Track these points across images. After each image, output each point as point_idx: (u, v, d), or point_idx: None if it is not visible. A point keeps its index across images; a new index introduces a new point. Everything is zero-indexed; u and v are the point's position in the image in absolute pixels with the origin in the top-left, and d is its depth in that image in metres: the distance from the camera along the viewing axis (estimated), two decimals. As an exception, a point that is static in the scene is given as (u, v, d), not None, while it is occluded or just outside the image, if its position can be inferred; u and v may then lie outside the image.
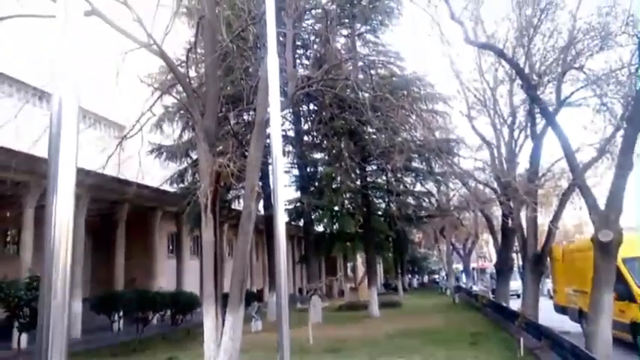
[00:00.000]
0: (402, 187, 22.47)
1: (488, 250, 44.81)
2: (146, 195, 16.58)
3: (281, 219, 3.03)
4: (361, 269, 38.31)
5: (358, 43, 20.09)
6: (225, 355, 6.89)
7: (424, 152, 15.96)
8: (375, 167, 21.44)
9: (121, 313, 11.94)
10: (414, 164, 20.56)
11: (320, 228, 25.87)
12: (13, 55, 14.46)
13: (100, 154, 9.67)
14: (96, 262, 19.88)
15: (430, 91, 19.57)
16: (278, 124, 3.11)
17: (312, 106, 20.40)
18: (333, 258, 37.14)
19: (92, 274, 18.93)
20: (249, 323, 13.11)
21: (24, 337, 10.22)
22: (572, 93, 11.33)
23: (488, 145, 15.93)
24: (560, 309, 14.14)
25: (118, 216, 17.65)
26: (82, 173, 9.77)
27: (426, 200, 23.89)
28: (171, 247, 23.26)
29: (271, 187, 2.88)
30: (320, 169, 22.87)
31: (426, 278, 54.92)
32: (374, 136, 18.99)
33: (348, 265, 43.78)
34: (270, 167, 18.14)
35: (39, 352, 1.24)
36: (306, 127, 22.30)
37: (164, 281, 17.28)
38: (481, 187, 18.28)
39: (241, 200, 18.82)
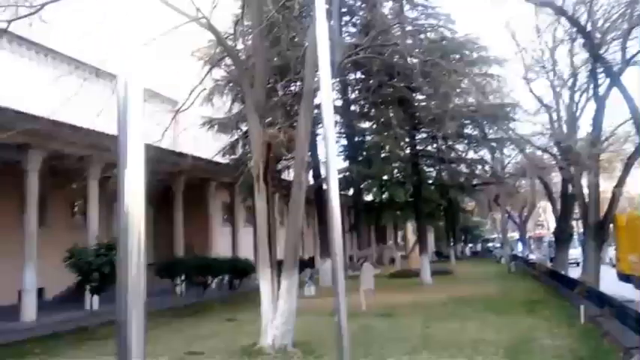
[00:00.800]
0: (453, 154, 21.96)
1: (545, 217, 43.30)
2: (201, 166, 17.18)
3: (334, 186, 3.08)
4: (412, 237, 38.18)
5: (406, 7, 19.46)
6: (281, 318, 7.20)
7: (477, 118, 15.47)
8: (425, 135, 21.03)
9: (183, 278, 12.64)
10: (467, 131, 19.99)
11: (369, 197, 25.89)
12: (70, 34, 15.14)
13: (156, 128, 10.07)
14: (156, 230, 21.00)
15: (483, 54, 18.73)
16: (329, 91, 3.12)
17: (359, 75, 20.12)
18: (383, 226, 37.15)
19: (153, 241, 20.08)
20: (302, 289, 13.51)
21: (95, 299, 11.06)
22: (638, 51, 10.55)
23: (547, 109, 15.23)
24: (624, 277, 13.64)
25: (175, 187, 18.44)
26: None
27: (480, 168, 23.27)
28: (225, 216, 24.21)
29: (325, 155, 2.94)
30: (368, 138, 22.71)
31: (479, 247, 54.02)
32: (424, 103, 18.56)
33: (399, 233, 43.73)
34: (318, 137, 18.30)
35: (119, 312, 1.36)
36: (353, 96, 22.10)
37: (220, 248, 18.02)
38: (539, 152, 17.56)
39: (291, 170, 19.14)
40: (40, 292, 12.94)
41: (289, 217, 7.81)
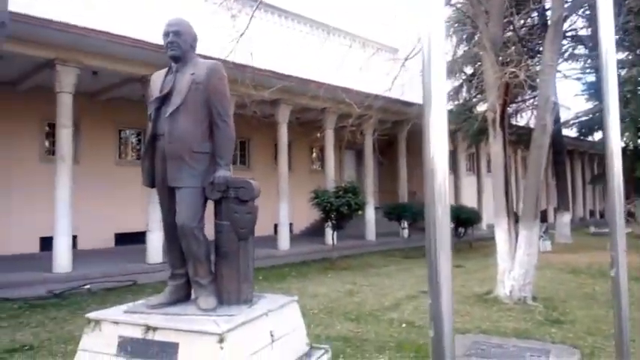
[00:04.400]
0: None
1: None
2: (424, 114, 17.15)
3: (614, 126, 2.67)
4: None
5: None
6: (520, 269, 6.87)
7: None
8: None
9: (410, 222, 13.13)
10: None
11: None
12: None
13: (384, 78, 10.33)
14: (380, 176, 22.17)
15: None
16: (610, 8, 2.66)
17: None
18: (637, 178, 31.30)
19: (379, 186, 21.29)
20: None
21: (334, 235, 12.39)
22: None
23: None
24: None
25: (399, 135, 18.93)
26: (371, 97, 10.77)
27: None
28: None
29: (602, 91, 2.49)
30: (621, 72, 18.97)
31: None
32: None
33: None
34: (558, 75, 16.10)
35: (428, 250, 1.45)
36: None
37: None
38: None
39: (521, 115, 17.53)
40: (290, 226, 15.18)
41: (530, 163, 7.20)
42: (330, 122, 15.67)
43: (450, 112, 18.25)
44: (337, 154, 18.68)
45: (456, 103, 18.61)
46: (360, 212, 12.14)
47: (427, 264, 1.43)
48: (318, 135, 14.55)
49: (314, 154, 21.14)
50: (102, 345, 3.46)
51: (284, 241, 14.41)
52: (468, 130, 16.60)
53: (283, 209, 14.46)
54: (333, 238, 12.23)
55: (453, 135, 20.77)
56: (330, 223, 12.08)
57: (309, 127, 16.97)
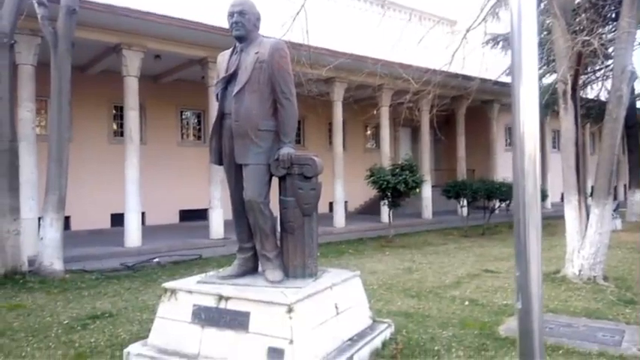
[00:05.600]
0: None
1: None
2: (485, 88, 16.49)
3: None
4: None
5: None
6: (590, 248, 6.56)
7: None
8: None
9: (469, 200, 12.81)
10: None
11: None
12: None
13: (443, 52, 9.98)
14: (437, 154, 21.68)
15: None
16: None
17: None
18: None
19: (435, 164, 20.85)
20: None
21: (391, 213, 12.32)
22: None
23: None
24: None
25: (457, 111, 18.36)
26: (430, 72, 10.46)
27: None
28: (508, 140, 23.08)
29: None
30: None
31: None
32: None
33: None
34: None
35: (517, 224, 1.43)
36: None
37: (503, 173, 17.38)
38: None
39: (591, 87, 16.45)
40: (345, 205, 15.24)
41: (604, 137, 6.77)
42: (386, 99, 15.44)
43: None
44: (392, 132, 18.42)
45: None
46: (417, 190, 11.97)
47: (515, 238, 1.41)
48: (375, 112, 14.37)
49: (368, 132, 20.97)
50: (178, 313, 3.68)
51: (340, 219, 14.52)
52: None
53: (339, 187, 14.54)
54: (389, 216, 12.18)
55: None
56: (386, 201, 12.03)
57: (363, 105, 16.82)
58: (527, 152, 1.44)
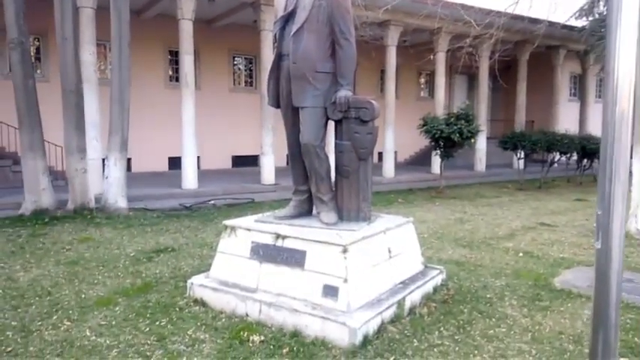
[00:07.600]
0: None
1: None
2: (550, 33, 15.37)
3: None
4: None
5: None
6: (659, 204, 6.20)
7: None
8: None
9: (527, 152, 12.29)
10: None
11: None
12: None
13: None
14: (494, 103, 20.72)
15: None
16: None
17: None
18: None
19: (491, 114, 19.99)
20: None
21: (442, 164, 12.05)
22: None
23: None
24: None
25: (520, 57, 17.32)
26: (494, 14, 9.83)
27: None
28: (573, 90, 21.69)
29: None
30: None
31: None
32: None
33: None
34: None
35: (603, 161, 1.35)
36: None
37: (565, 124, 16.46)
38: None
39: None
40: (395, 154, 15.05)
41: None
42: (443, 44, 14.73)
43: (582, 29, 16.17)
44: (447, 79, 17.71)
45: (590, 19, 16.37)
46: (472, 141, 11.57)
47: (599, 173, 1.33)
48: (431, 57, 13.77)
49: (422, 80, 20.27)
50: (237, 248, 3.84)
51: (389, 169, 14.40)
52: (603, 50, 14.60)
53: (389, 136, 14.31)
54: (440, 167, 11.94)
55: (583, 57, 18.55)
56: (438, 152, 11.73)
57: (418, 51, 16.15)
58: (620, 104, 1.34)
